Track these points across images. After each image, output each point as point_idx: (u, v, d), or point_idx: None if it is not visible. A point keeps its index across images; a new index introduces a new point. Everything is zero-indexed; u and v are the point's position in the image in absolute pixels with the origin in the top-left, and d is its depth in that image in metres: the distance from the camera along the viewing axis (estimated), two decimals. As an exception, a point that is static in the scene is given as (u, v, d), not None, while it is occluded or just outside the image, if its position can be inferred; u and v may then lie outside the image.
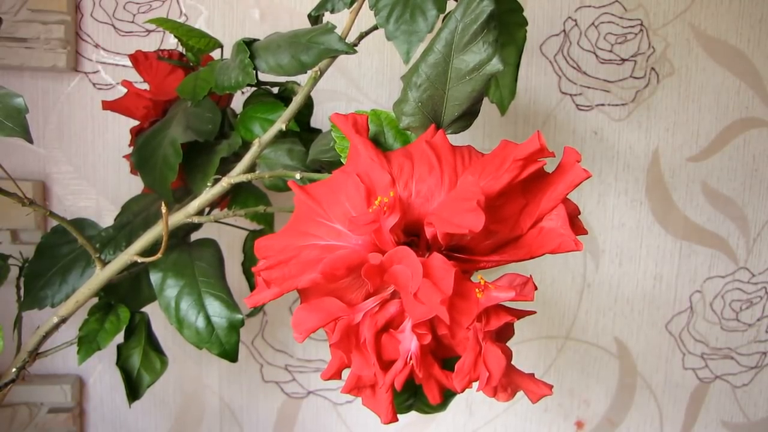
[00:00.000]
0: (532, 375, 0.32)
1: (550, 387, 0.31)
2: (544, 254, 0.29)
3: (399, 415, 0.35)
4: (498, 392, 0.31)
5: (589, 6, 0.80)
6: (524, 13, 0.52)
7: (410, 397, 0.44)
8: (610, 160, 0.83)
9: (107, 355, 0.71)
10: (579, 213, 0.30)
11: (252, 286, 0.63)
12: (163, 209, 0.39)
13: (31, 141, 0.40)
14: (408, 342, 0.30)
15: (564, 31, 0.80)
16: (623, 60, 0.81)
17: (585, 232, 0.30)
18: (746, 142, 0.84)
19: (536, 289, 0.30)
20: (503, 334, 0.32)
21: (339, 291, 0.30)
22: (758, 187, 0.85)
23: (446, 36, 0.33)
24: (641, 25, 0.81)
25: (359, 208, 0.30)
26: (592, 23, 0.80)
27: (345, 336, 0.30)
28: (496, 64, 0.32)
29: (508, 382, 0.31)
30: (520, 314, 0.31)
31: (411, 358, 0.30)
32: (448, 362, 0.32)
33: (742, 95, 0.83)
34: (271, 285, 0.30)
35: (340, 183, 0.31)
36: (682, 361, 0.88)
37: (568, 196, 0.29)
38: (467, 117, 0.36)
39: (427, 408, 0.45)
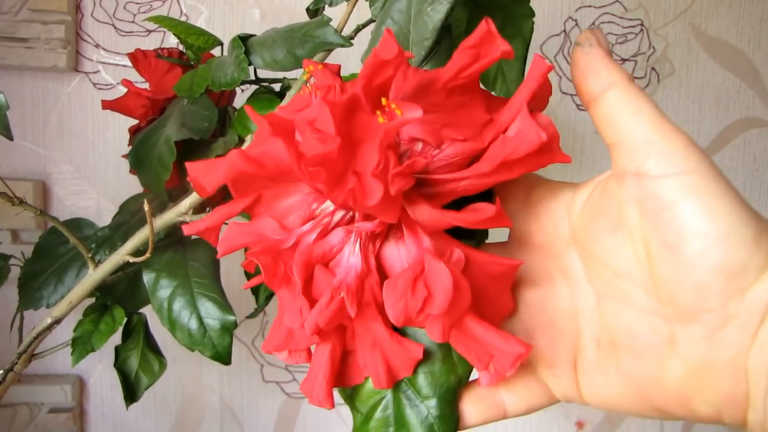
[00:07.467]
0: (508, 335, 0.25)
1: (528, 346, 0.25)
2: (507, 162, 0.24)
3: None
4: (449, 336, 0.25)
5: (590, 6, 0.80)
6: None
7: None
8: (610, 160, 0.83)
9: (107, 355, 0.70)
10: (558, 137, 0.25)
11: (253, 288, 0.63)
12: (146, 207, 0.39)
13: (11, 138, 0.40)
14: (343, 272, 0.26)
15: (564, 31, 0.80)
16: (624, 60, 0.81)
17: (567, 159, 0.25)
18: (746, 142, 0.84)
19: (500, 211, 0.24)
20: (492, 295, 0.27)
21: (279, 212, 0.28)
22: (758, 187, 0.85)
23: None
24: (641, 25, 0.80)
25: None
26: (593, 23, 0.80)
27: (272, 256, 0.27)
28: None
29: (465, 336, 0.26)
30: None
31: (343, 288, 0.25)
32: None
33: (743, 95, 0.83)
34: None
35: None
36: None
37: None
38: (438, 57, 0.34)
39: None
